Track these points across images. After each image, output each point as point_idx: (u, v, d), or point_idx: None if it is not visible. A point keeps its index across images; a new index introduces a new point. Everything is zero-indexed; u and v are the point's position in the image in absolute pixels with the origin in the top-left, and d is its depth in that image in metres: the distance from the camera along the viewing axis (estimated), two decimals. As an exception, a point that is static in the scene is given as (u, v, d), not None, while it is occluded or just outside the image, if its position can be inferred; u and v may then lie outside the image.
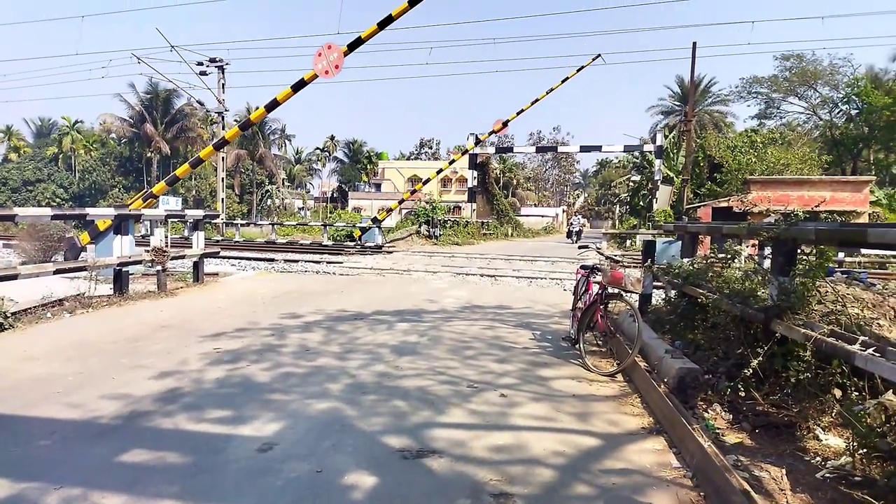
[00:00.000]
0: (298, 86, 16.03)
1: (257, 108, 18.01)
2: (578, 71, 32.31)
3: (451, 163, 38.63)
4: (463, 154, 38.80)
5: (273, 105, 17.21)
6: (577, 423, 4.37)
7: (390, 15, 15.55)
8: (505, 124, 34.71)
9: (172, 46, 27.88)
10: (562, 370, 5.86)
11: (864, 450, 3.31)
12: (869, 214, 25.20)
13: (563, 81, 32.48)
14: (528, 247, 30.81)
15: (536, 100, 33.13)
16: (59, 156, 66.90)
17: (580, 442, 4.01)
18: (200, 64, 31.67)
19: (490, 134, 37.71)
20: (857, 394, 3.70)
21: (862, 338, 3.67)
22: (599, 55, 32.09)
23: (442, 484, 3.35)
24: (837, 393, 3.85)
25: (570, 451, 3.84)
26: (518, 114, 34.05)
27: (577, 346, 6.38)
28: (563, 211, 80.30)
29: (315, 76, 15.65)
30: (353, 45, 15.71)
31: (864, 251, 17.29)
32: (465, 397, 4.91)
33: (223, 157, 36.42)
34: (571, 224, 39.23)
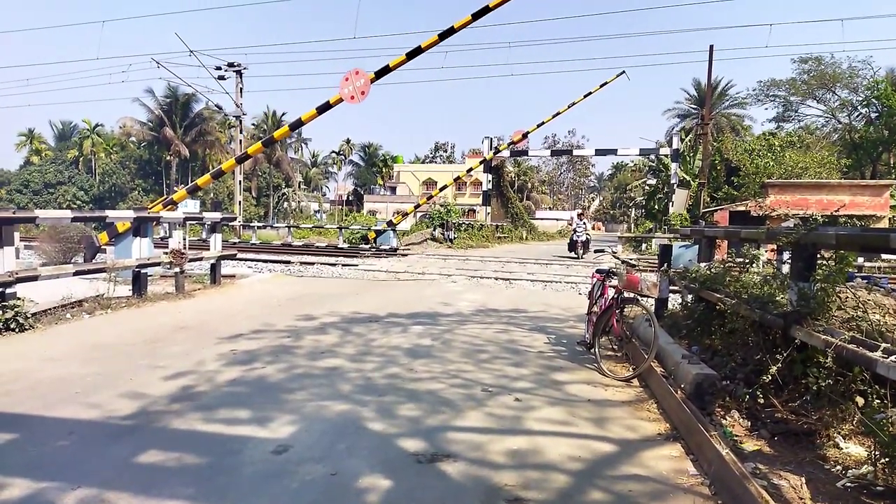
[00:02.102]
0: (323, 108, 16.27)
1: (280, 123, 18.44)
2: (602, 86, 32.53)
3: (469, 171, 38.39)
4: (481, 163, 38.83)
5: (297, 125, 17.83)
6: (593, 428, 4.34)
7: (419, 46, 15.89)
8: (525, 136, 35.20)
9: (191, 51, 28.17)
10: (577, 374, 5.83)
11: (887, 459, 3.25)
12: (889, 219, 24.84)
13: (585, 96, 32.73)
14: (542, 250, 30.69)
15: (558, 113, 33.56)
16: (79, 159, 67.99)
17: (596, 447, 3.97)
18: (219, 68, 31.92)
19: (509, 145, 37.98)
20: (878, 402, 3.64)
21: (884, 345, 3.61)
22: (623, 72, 32.32)
23: (456, 488, 3.34)
24: (859, 401, 3.79)
25: (585, 457, 3.81)
26: (539, 126, 34.55)
27: (592, 350, 6.34)
28: (578, 214, 79.69)
29: (340, 100, 15.86)
30: (381, 73, 15.99)
31: (884, 256, 17.05)
32: (480, 401, 4.90)
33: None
34: (575, 231, 25.36)
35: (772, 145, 32.73)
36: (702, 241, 8.41)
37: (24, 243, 19.39)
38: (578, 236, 24.87)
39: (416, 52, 15.86)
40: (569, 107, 33.11)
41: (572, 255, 24.79)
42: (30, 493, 3.11)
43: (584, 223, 25.51)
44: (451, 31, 15.69)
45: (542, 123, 34.48)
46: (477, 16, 15.58)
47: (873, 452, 3.39)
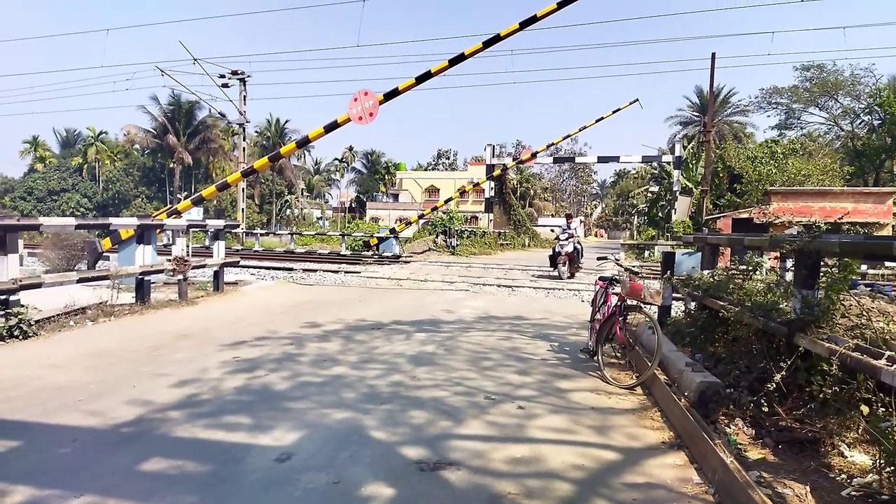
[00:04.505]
0: (331, 127, 16.45)
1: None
2: (614, 112, 33.35)
3: (475, 185, 38.41)
4: (488, 178, 38.90)
5: (304, 142, 18.31)
6: (596, 437, 4.32)
7: (429, 71, 16.19)
8: (534, 155, 36.16)
9: (195, 59, 28.32)
10: (580, 382, 5.82)
11: (892, 468, 3.23)
12: (893, 226, 24.79)
13: (597, 121, 33.79)
14: (545, 257, 30.52)
15: (569, 135, 34.79)
16: (83, 166, 68.14)
17: (599, 455, 3.96)
18: (222, 76, 32.06)
19: (518, 163, 38.58)
20: (883, 410, 3.62)
21: (888, 353, 3.60)
22: (637, 100, 33.19)
23: (459, 496, 3.33)
24: (864, 409, 3.77)
25: (589, 465, 3.80)
26: (548, 146, 35.32)
27: (595, 358, 6.33)
28: (581, 221, 79.44)
29: (348, 120, 16.01)
30: (390, 95, 16.23)
31: (887, 264, 17.00)
32: (483, 409, 4.89)
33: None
34: (558, 239, 17.67)
35: (774, 153, 32.75)
36: (705, 248, 8.40)
37: (28, 250, 19.42)
38: (563, 246, 17.27)
39: (426, 76, 16.13)
40: (580, 129, 34.42)
41: (553, 272, 17.73)
42: (32, 501, 3.10)
43: (574, 230, 17.91)
44: (461, 58, 15.96)
45: (552, 144, 35.57)
46: (488, 44, 15.92)
47: (878, 461, 3.37)
